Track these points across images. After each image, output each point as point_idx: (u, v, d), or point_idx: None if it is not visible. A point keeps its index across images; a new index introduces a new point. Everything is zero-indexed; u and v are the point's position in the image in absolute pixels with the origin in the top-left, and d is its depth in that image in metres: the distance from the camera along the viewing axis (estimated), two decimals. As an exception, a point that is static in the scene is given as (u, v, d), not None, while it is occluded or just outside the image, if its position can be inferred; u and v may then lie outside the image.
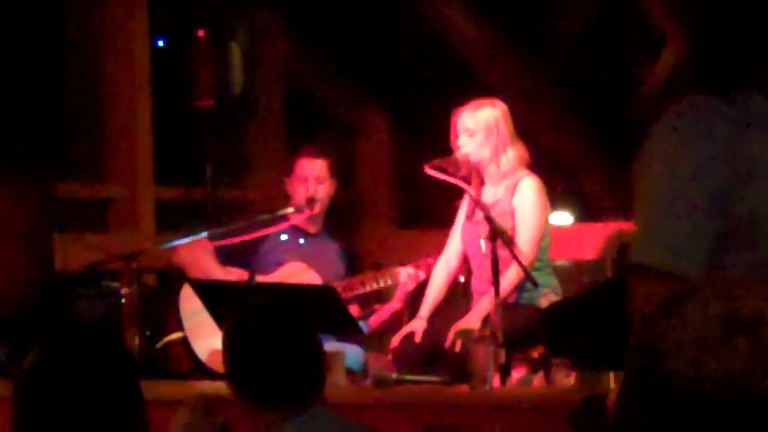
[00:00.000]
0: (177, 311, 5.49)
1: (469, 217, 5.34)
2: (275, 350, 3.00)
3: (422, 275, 5.43)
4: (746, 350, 1.26)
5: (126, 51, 6.86)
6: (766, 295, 1.30)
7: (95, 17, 6.88)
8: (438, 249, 5.48)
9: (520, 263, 4.89)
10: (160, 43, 7.05)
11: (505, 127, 5.27)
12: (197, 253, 5.55)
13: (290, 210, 5.63)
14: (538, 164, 5.41)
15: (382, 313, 5.54)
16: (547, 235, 5.27)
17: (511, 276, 5.03)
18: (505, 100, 5.43)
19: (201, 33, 6.82)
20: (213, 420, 3.21)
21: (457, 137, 5.24)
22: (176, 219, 6.77)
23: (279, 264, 5.63)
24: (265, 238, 5.61)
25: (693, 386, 1.25)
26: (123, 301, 5.38)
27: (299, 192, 5.62)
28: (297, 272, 5.60)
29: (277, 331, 3.04)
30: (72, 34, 6.83)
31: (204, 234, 5.58)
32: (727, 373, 1.25)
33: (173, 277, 5.80)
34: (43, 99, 6.22)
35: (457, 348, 4.89)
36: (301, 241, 5.73)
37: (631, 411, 1.29)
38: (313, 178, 5.62)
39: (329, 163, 5.67)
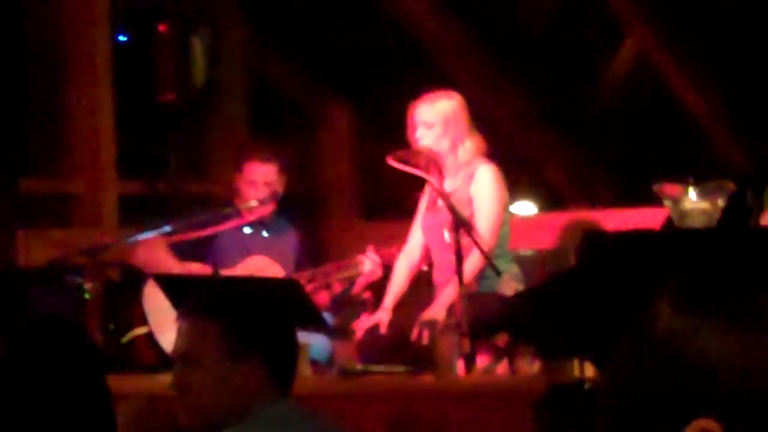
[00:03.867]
0: (141, 306, 5.48)
1: (430, 207, 5.36)
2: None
3: (380, 260, 5.43)
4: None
5: (87, 45, 6.83)
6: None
7: (56, 12, 6.85)
8: (401, 240, 5.49)
9: (482, 251, 4.90)
10: (122, 38, 7.03)
11: (463, 118, 5.29)
12: (153, 251, 5.57)
13: (254, 203, 5.64)
14: (501, 155, 5.43)
15: (360, 282, 5.52)
16: (507, 224, 5.28)
17: (472, 264, 5.04)
18: (467, 92, 5.45)
19: (162, 27, 6.81)
20: (154, 421, 3.18)
21: (414, 130, 5.25)
22: (139, 214, 6.76)
23: (241, 258, 5.64)
24: (223, 231, 5.63)
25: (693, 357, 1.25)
26: (87, 296, 5.37)
27: (249, 194, 5.66)
28: (261, 267, 5.60)
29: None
30: (33, 29, 6.79)
31: (167, 228, 5.58)
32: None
33: (137, 272, 5.79)
34: (3, 94, 6.19)
35: (425, 340, 4.91)
36: (265, 234, 5.75)
37: (623, 387, 1.28)
38: (262, 183, 5.66)
39: (278, 166, 5.70)
